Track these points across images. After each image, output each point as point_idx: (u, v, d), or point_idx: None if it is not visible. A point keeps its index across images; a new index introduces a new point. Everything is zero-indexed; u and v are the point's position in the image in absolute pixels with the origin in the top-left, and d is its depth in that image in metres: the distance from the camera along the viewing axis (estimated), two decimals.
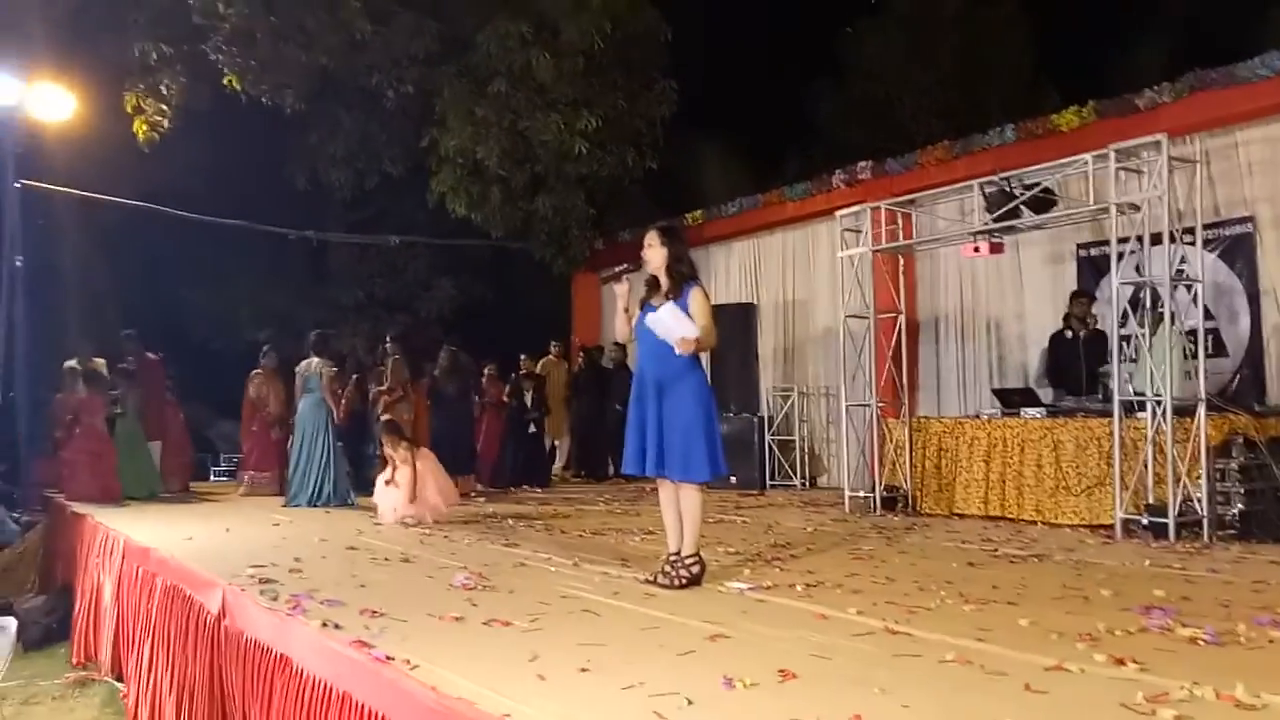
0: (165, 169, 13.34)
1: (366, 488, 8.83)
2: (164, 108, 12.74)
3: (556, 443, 13.14)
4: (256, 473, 10.64)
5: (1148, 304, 6.65)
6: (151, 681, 5.14)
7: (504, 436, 11.51)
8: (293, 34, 12.50)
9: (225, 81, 12.60)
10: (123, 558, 6.19)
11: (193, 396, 14.87)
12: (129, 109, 12.63)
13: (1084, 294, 8.32)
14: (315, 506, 8.89)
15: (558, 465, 13.16)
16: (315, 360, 9.17)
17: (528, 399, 11.60)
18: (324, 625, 3.61)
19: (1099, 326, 8.01)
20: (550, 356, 12.74)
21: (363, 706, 2.97)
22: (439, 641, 3.44)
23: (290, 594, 4.25)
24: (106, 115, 12.42)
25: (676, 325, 4.55)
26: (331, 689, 3.19)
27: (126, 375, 10.30)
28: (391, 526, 7.29)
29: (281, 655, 3.61)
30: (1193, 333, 7.13)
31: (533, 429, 11.57)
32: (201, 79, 12.82)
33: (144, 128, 12.67)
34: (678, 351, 4.53)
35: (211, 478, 14.13)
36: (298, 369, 9.34)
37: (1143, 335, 6.68)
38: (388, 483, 7.66)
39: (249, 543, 6.31)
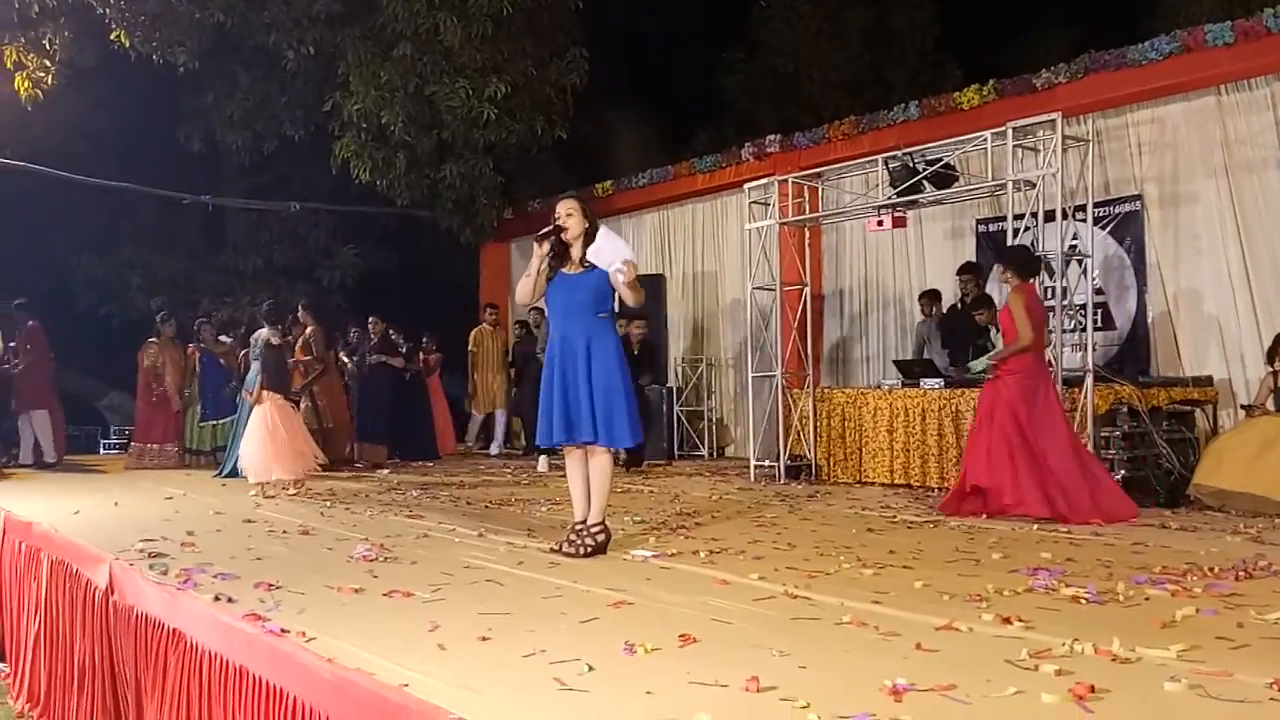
0: (49, 128, 12.71)
1: None
2: (47, 63, 12.09)
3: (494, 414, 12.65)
4: (152, 445, 10.32)
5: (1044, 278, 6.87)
6: (35, 659, 4.95)
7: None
8: None
9: (113, 37, 12.02)
10: (3, 532, 5.92)
11: (80, 366, 14.28)
12: (9, 64, 11.97)
13: (962, 268, 8.61)
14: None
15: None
16: (264, 330, 9.23)
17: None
18: (216, 599, 3.52)
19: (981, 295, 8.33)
20: (485, 326, 12.36)
21: (259, 679, 2.91)
22: (337, 613, 3.38)
23: (181, 568, 4.14)
24: None
25: (613, 249, 4.49)
26: (227, 663, 3.12)
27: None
28: (290, 499, 7.13)
29: (174, 630, 3.51)
30: (1083, 306, 7.42)
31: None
32: (88, 34, 12.20)
33: (26, 84, 12.03)
34: (622, 280, 4.47)
35: (101, 450, 13.59)
36: (251, 337, 9.44)
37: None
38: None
39: (139, 517, 6.12)
